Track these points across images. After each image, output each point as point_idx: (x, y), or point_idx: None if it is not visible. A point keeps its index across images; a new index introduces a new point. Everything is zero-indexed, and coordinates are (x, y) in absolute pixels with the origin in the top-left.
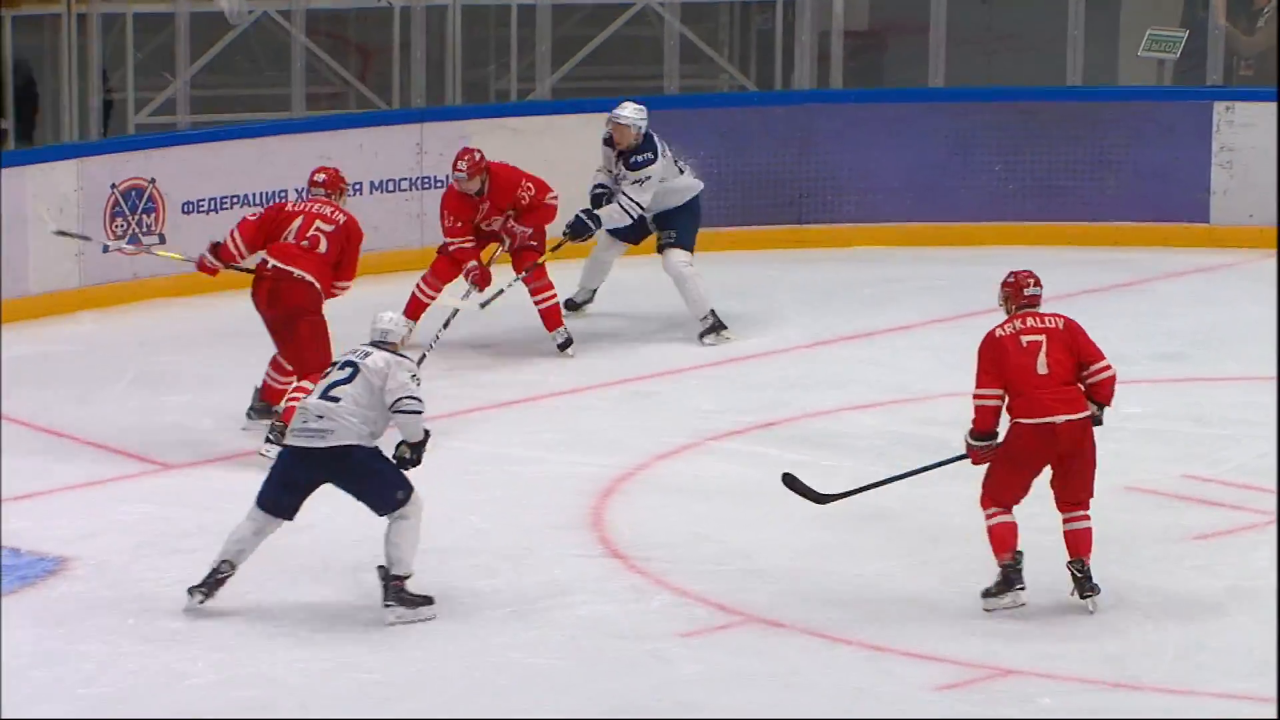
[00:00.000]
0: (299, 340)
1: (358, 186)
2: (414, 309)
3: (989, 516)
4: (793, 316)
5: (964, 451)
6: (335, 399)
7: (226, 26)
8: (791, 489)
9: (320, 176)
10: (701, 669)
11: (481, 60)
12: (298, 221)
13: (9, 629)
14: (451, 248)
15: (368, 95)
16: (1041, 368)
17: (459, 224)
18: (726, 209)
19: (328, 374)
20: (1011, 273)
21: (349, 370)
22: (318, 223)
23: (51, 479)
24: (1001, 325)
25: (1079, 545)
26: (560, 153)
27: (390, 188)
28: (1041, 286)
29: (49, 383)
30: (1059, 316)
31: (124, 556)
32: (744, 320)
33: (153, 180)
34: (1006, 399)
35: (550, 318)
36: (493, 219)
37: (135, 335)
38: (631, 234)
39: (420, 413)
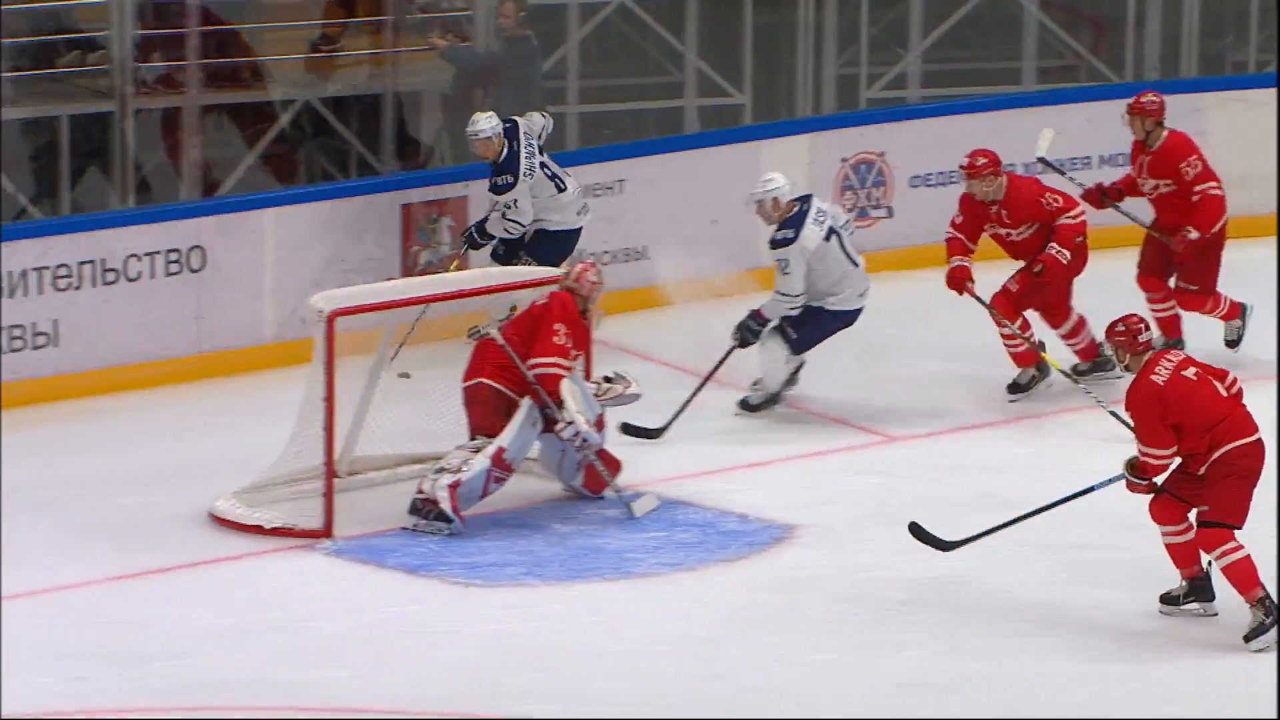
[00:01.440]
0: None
1: (1085, 160)
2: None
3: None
4: None
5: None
6: None
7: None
8: (917, 538)
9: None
10: None
11: (1217, 32)
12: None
13: (738, 591)
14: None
15: (1099, 68)
16: (1223, 391)
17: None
18: None
19: None
20: (1120, 321)
21: None
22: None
23: (781, 449)
24: (1153, 372)
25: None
26: None
27: (1117, 160)
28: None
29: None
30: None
31: (849, 526)
32: None
33: (882, 154)
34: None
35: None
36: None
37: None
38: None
39: None
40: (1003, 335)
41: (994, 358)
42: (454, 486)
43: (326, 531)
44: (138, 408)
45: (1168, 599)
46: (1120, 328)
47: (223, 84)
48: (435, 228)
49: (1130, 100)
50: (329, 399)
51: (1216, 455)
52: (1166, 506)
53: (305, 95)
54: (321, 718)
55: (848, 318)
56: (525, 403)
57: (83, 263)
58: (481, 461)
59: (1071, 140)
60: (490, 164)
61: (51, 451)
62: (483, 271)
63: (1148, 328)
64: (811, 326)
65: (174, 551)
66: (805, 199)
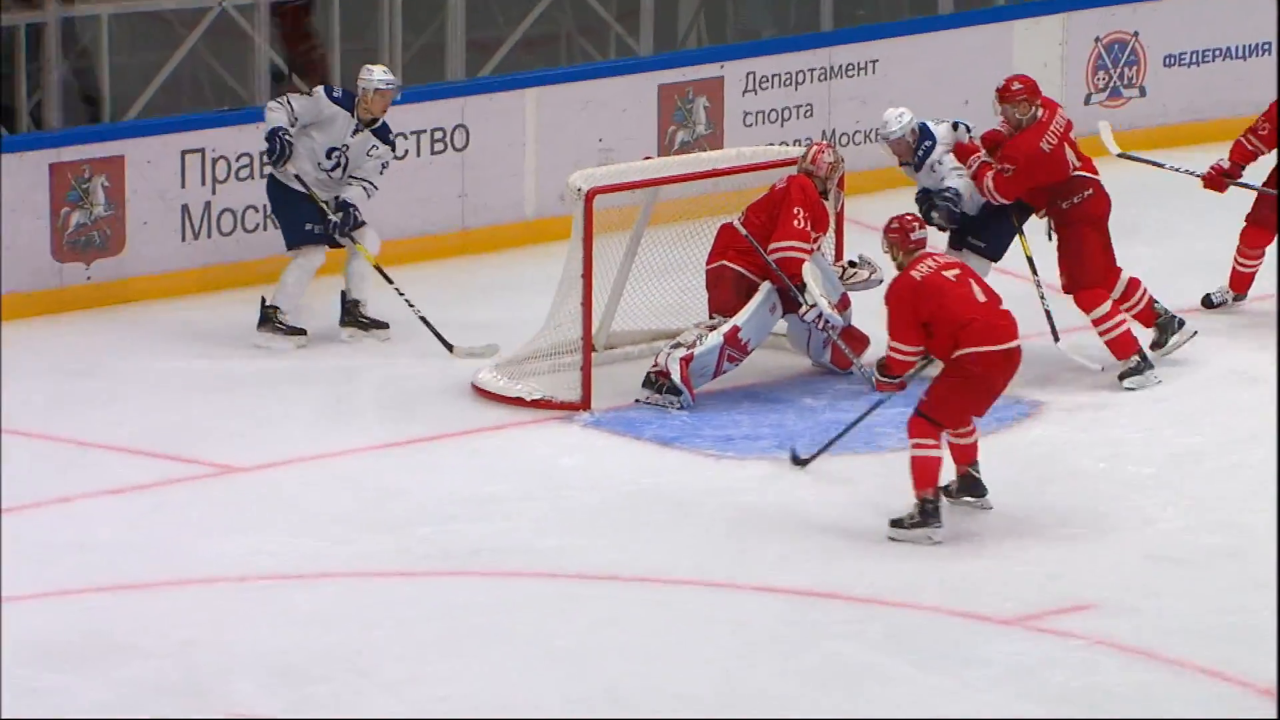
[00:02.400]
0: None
1: None
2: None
3: (926, 447)
4: None
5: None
6: None
7: None
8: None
9: (1017, 86)
10: None
11: None
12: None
13: (988, 468)
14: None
15: None
16: (979, 296)
17: None
18: None
19: None
20: (895, 219)
21: None
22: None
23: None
24: (914, 269)
25: (971, 453)
26: None
27: None
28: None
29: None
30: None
31: (1095, 401)
32: None
33: (1135, 33)
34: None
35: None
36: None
37: None
38: None
39: None
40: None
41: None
42: (686, 360)
43: (584, 404)
44: (404, 281)
45: (947, 491)
46: (894, 224)
47: None
48: (691, 107)
49: None
50: (587, 275)
51: (955, 355)
52: (914, 422)
53: None
54: (575, 584)
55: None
56: (764, 286)
57: None
58: (715, 339)
59: None
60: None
61: (322, 323)
62: (735, 151)
63: (922, 226)
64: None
65: (437, 421)
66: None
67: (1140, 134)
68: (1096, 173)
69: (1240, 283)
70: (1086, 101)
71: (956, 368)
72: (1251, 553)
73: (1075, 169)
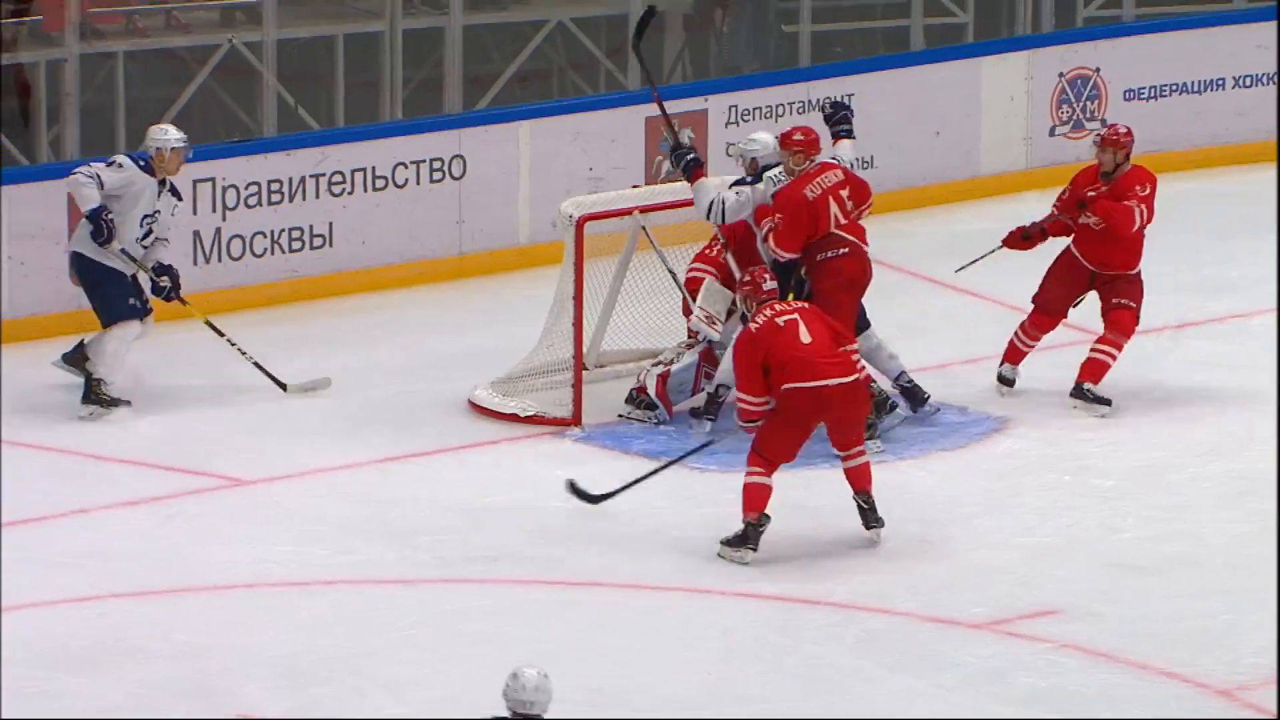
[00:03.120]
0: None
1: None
2: None
3: (756, 474)
4: None
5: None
6: None
7: None
8: (573, 494)
9: (799, 136)
10: None
11: None
12: (832, 206)
13: (960, 480)
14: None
15: None
16: (805, 336)
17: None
18: None
19: None
20: (747, 272)
21: None
22: (841, 193)
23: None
24: (754, 320)
25: (863, 479)
26: None
27: None
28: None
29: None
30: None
31: (1059, 417)
32: None
33: (1097, 69)
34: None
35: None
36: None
37: None
38: None
39: None
40: None
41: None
42: (663, 377)
43: (575, 420)
44: (402, 304)
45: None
46: (746, 278)
47: (483, 5)
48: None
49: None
50: (578, 297)
51: (782, 389)
52: (749, 453)
53: (558, 16)
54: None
55: None
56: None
57: (355, 170)
58: (691, 356)
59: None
60: None
61: (324, 344)
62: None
63: (773, 278)
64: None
65: (436, 436)
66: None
67: None
68: (865, 241)
69: (1015, 356)
70: (1051, 133)
71: (780, 404)
72: (1207, 560)
73: (838, 224)
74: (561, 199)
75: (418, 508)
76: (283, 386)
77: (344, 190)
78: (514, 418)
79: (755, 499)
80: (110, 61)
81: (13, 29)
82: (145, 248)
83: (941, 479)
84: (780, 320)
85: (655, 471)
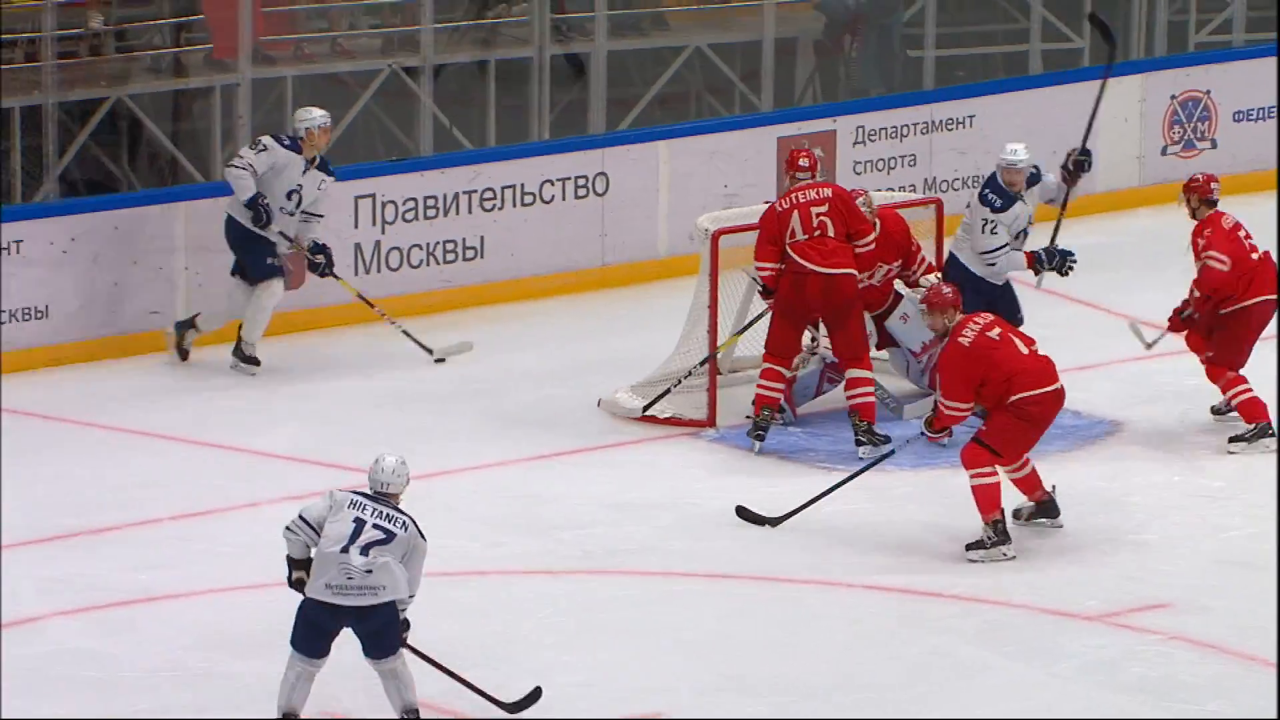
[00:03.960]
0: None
1: None
2: None
3: (986, 475)
4: None
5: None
6: (378, 559)
7: None
8: (743, 518)
9: (804, 161)
10: None
11: None
12: (795, 218)
13: (1074, 479)
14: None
15: None
16: (1022, 348)
17: None
18: None
19: (358, 529)
20: (932, 287)
21: (384, 535)
22: (813, 210)
23: (1109, 353)
24: (960, 334)
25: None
26: None
27: None
28: None
29: (1113, 267)
30: None
31: (1171, 420)
32: None
33: (1208, 91)
34: None
35: None
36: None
37: None
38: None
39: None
40: None
41: None
42: (790, 382)
43: (710, 421)
44: (549, 312)
45: (1017, 514)
46: (931, 293)
47: (625, 32)
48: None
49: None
50: (712, 306)
51: (1011, 400)
52: (975, 453)
53: (695, 41)
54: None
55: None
56: (866, 316)
57: (505, 187)
58: (816, 363)
59: None
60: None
61: (478, 349)
62: None
63: (959, 293)
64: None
65: (579, 436)
66: (1034, 175)
67: None
68: (830, 265)
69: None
70: (1163, 152)
71: (1015, 410)
72: None
73: (794, 239)
74: (698, 214)
75: (562, 504)
76: (429, 352)
77: (495, 206)
78: (653, 419)
79: (993, 497)
80: (280, 85)
81: (191, 56)
82: (290, 215)
83: (1056, 479)
84: (992, 334)
85: (830, 490)
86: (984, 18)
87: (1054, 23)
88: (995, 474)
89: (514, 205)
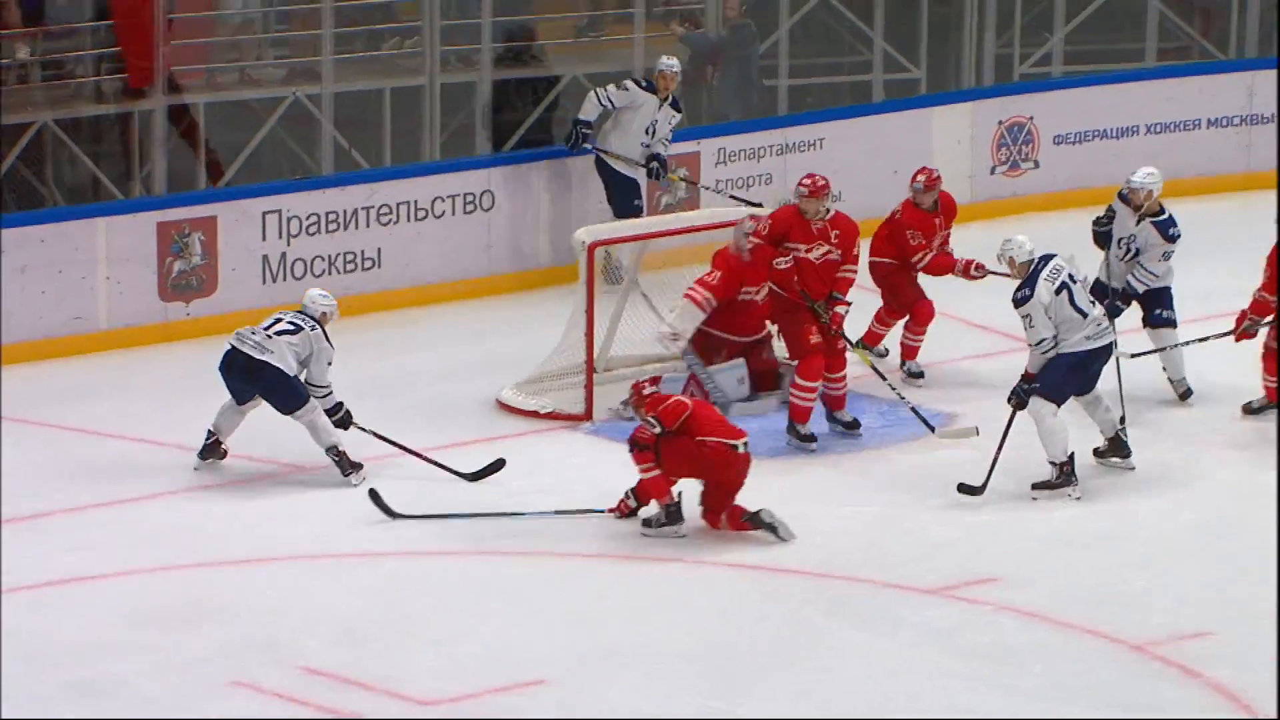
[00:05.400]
0: None
1: (1195, 122)
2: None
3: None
4: None
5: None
6: (280, 340)
7: None
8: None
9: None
10: None
11: None
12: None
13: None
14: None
15: (1208, 48)
16: None
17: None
18: None
19: (274, 321)
20: None
21: (292, 327)
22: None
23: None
24: None
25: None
26: None
27: (1224, 123)
28: None
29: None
30: None
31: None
32: None
33: (1031, 118)
34: None
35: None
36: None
37: None
38: None
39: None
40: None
41: None
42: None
43: (587, 415)
44: (441, 317)
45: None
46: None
47: (509, 63)
48: (672, 177)
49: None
50: (589, 311)
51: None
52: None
53: (573, 71)
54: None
55: (1079, 357)
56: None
57: (400, 203)
58: (685, 372)
59: (1183, 108)
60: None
61: (377, 351)
62: (709, 211)
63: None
64: (1049, 371)
65: (470, 429)
66: (1044, 258)
67: (1036, 198)
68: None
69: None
70: (992, 172)
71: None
72: (1130, 536)
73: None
74: (575, 228)
75: (455, 491)
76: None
77: (390, 220)
78: (535, 414)
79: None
80: (192, 111)
81: (111, 84)
82: (645, 146)
83: (899, 470)
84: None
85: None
86: (832, 50)
87: (894, 55)
88: (656, 468)
89: (408, 220)
